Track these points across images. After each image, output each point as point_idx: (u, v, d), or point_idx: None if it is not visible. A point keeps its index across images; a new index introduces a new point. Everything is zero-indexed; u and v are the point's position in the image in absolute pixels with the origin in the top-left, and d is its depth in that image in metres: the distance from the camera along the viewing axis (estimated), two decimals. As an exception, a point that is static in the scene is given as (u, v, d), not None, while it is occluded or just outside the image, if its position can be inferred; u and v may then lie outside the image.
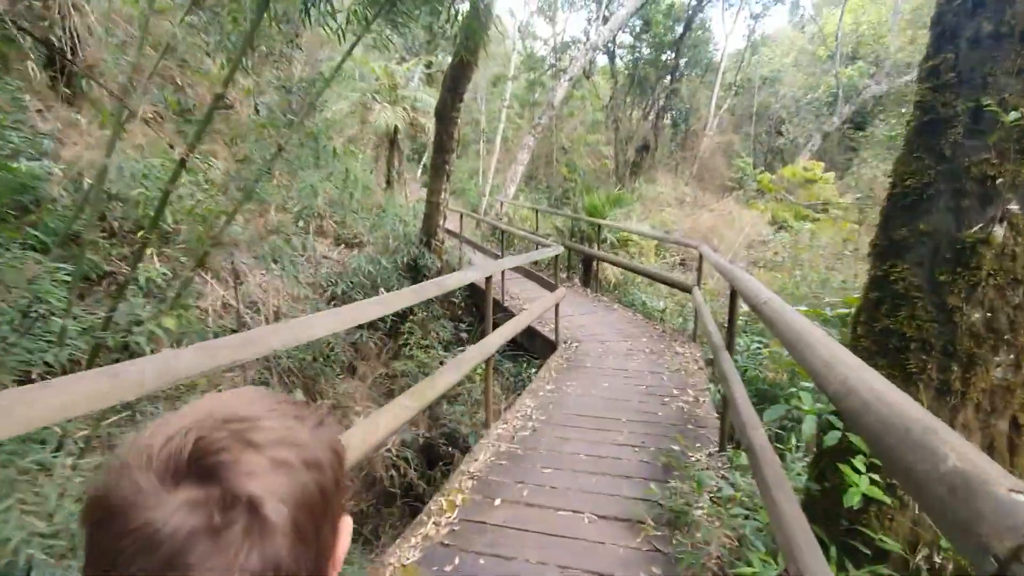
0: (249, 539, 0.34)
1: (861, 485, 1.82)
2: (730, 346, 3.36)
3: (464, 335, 7.74)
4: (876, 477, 1.86)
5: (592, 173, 18.25)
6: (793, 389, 4.76)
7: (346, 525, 0.45)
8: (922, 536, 1.97)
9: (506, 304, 7.74)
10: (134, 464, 0.36)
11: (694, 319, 6.59)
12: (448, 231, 9.65)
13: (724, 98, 21.90)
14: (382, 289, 7.51)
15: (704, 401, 4.47)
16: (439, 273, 8.32)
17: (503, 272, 7.45)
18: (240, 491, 0.35)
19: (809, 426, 2.14)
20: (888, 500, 1.87)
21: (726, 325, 3.44)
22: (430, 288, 2.66)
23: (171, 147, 3.33)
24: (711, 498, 2.90)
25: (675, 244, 10.56)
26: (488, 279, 3.72)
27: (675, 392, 4.68)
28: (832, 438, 2.01)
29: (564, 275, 9.83)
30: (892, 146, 8.43)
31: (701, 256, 6.31)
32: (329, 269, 8.28)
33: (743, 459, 3.34)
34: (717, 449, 3.49)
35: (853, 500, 1.85)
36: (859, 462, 1.93)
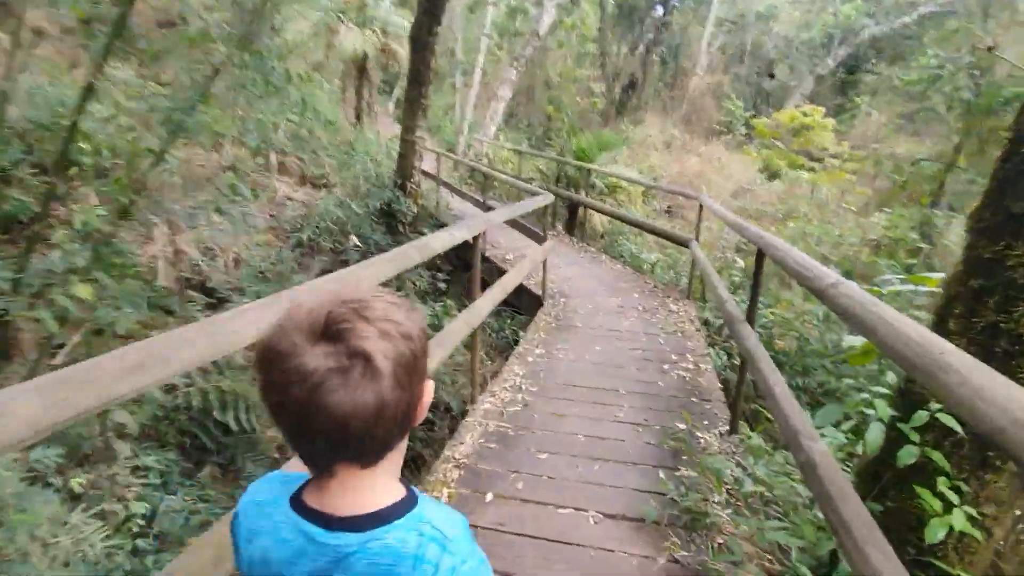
0: (364, 379, 0.53)
1: (955, 522, 1.46)
2: (751, 318, 2.98)
3: (442, 285, 7.25)
4: (971, 510, 1.52)
5: (577, 112, 17.27)
6: (812, 360, 4.49)
7: (428, 387, 0.63)
8: (1004, 570, 1.66)
9: (488, 255, 7.23)
10: (288, 328, 0.54)
11: (688, 274, 6.23)
12: (424, 172, 8.92)
13: (715, 35, 20.74)
14: (353, 237, 6.88)
15: (706, 369, 4.15)
16: (415, 219, 7.69)
17: (486, 220, 6.87)
18: (359, 347, 0.53)
19: (876, 436, 1.77)
20: (978, 534, 1.54)
21: (748, 297, 3.04)
22: (412, 254, 2.15)
23: (72, 68, 2.62)
24: (728, 491, 2.60)
25: (672, 194, 10.03)
26: (476, 236, 3.20)
27: (674, 358, 4.35)
28: (908, 455, 1.64)
29: (549, 220, 9.29)
30: (907, 92, 7.93)
31: (701, 208, 5.87)
32: (294, 212, 7.57)
33: (756, 440, 3.05)
34: (728, 430, 3.18)
35: (936, 535, 1.51)
36: (944, 485, 1.58)
